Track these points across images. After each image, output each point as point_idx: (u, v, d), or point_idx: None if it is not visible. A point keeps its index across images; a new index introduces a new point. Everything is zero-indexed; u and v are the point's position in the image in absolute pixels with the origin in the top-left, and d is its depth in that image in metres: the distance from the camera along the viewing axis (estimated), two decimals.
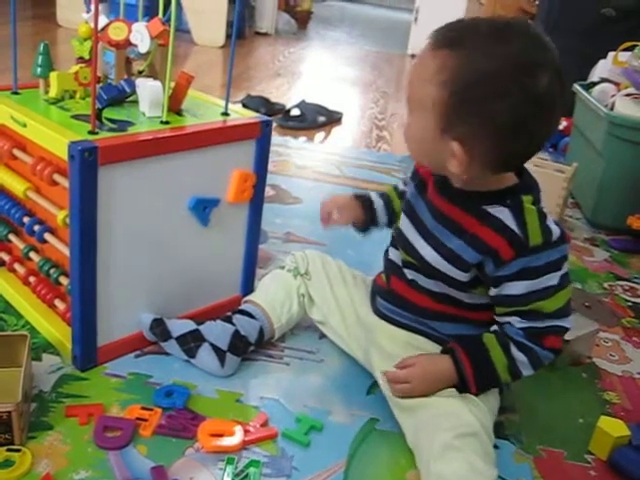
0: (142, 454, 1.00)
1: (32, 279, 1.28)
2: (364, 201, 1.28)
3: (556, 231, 1.00)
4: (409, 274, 1.12)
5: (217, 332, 1.17)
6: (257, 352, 1.25)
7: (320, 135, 2.75)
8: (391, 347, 1.13)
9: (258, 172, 1.27)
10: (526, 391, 1.24)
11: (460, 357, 1.05)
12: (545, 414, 1.21)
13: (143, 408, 1.08)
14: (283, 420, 1.10)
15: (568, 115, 2.51)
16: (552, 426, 1.19)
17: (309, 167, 2.31)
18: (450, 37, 0.93)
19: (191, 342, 1.17)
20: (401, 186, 1.29)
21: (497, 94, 0.89)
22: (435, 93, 0.92)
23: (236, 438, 1.03)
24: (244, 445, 1.03)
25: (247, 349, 1.21)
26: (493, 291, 1.03)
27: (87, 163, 1.01)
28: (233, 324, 1.19)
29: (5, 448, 0.97)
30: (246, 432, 1.05)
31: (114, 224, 1.09)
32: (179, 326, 1.19)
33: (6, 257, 1.35)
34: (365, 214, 1.27)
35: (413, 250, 1.09)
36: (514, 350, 1.02)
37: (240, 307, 1.26)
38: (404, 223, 1.13)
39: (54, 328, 1.22)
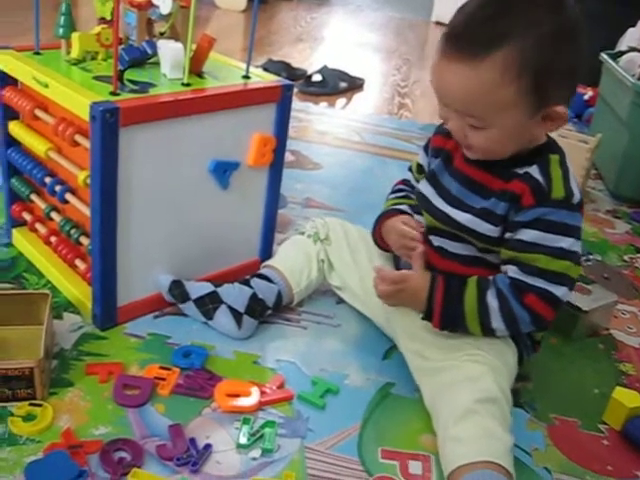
0: (160, 412, 1.02)
1: (53, 239, 1.29)
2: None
3: (577, 195, 1.02)
4: (435, 241, 1.12)
5: (235, 294, 1.19)
6: (275, 316, 1.26)
7: (341, 101, 2.73)
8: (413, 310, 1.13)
9: (278, 136, 1.27)
10: (542, 360, 1.24)
11: (437, 281, 1.07)
12: (560, 383, 1.22)
13: (161, 368, 1.09)
14: (299, 383, 1.11)
15: (593, 85, 2.47)
16: (567, 395, 1.19)
17: (330, 133, 2.30)
18: (487, 37, 0.93)
19: (209, 304, 1.18)
20: (413, 182, 1.26)
21: (563, 44, 0.94)
22: (515, 90, 0.94)
23: (252, 399, 1.05)
24: (260, 406, 1.05)
25: (264, 312, 1.22)
26: (507, 235, 1.03)
27: (108, 124, 1.01)
28: (251, 287, 1.20)
29: (27, 403, 0.99)
30: (262, 393, 1.07)
31: (134, 185, 1.10)
32: (197, 288, 1.20)
33: (28, 217, 1.36)
34: None
35: (442, 214, 1.09)
36: (490, 295, 1.03)
37: (259, 271, 1.27)
38: (427, 191, 1.13)
39: (75, 287, 1.23)
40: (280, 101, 1.25)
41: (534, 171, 1.01)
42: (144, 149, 1.09)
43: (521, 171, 1.02)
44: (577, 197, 1.02)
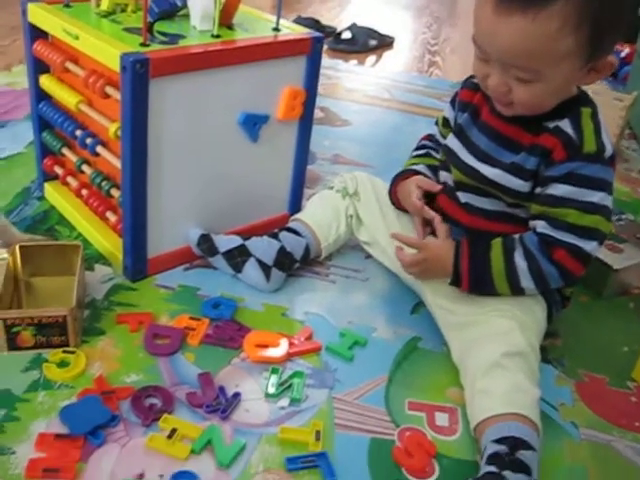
0: (190, 361, 1.04)
1: (84, 192, 1.30)
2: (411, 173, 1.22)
3: (609, 149, 1.00)
4: (462, 197, 1.11)
5: (263, 248, 1.19)
6: (303, 269, 1.27)
7: (371, 59, 2.70)
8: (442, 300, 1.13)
9: (308, 89, 1.26)
10: (572, 318, 1.23)
11: (462, 247, 1.06)
12: (590, 341, 1.21)
13: (191, 318, 1.11)
14: (327, 335, 1.12)
15: (630, 42, 2.41)
16: (596, 352, 1.18)
17: (359, 90, 2.28)
18: None
19: (237, 257, 1.19)
20: (434, 154, 1.25)
21: (620, 4, 0.93)
22: (573, 41, 0.91)
23: (281, 350, 1.06)
24: (288, 357, 1.06)
25: (292, 265, 1.22)
26: (538, 190, 1.02)
27: (139, 75, 1.01)
28: (279, 240, 1.21)
29: (61, 350, 1.01)
30: (291, 344, 1.07)
31: (165, 137, 1.10)
32: (226, 242, 1.20)
33: (59, 170, 1.37)
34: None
35: (471, 170, 1.08)
36: (517, 255, 1.02)
37: (287, 225, 1.27)
38: (455, 145, 1.12)
39: (106, 240, 1.25)
40: (310, 54, 1.23)
41: (565, 125, 0.99)
42: (174, 100, 1.08)
43: (551, 125, 1.00)
44: (609, 151, 1.00)
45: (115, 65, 1.03)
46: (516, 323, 1.01)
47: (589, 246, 1.00)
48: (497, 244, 1.04)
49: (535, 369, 0.98)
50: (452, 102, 1.19)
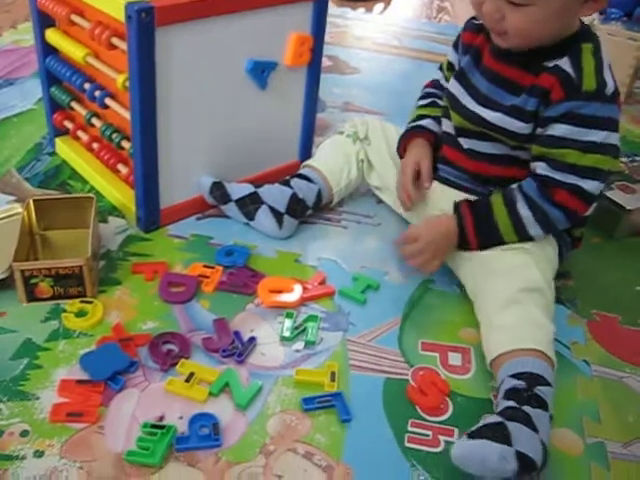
0: (205, 308, 1.05)
1: (95, 145, 1.31)
2: (429, 137, 1.20)
3: (611, 86, 0.98)
4: (465, 143, 1.11)
5: (275, 195, 1.19)
6: (315, 216, 1.28)
7: (379, 6, 2.66)
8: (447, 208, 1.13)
9: (316, 35, 1.24)
10: (583, 259, 1.24)
11: (463, 212, 1.06)
12: (601, 281, 1.21)
13: (205, 266, 1.12)
14: (340, 279, 1.13)
15: None
16: (608, 292, 1.19)
17: (368, 38, 2.25)
18: None
19: (250, 204, 1.19)
20: (439, 102, 1.23)
21: None
22: None
23: (295, 294, 1.07)
24: (302, 301, 1.07)
25: (305, 212, 1.23)
26: (539, 131, 1.01)
27: (144, 23, 1.01)
28: (291, 187, 1.21)
29: (79, 300, 1.03)
30: (304, 289, 1.09)
31: (173, 86, 1.10)
32: (238, 189, 1.21)
33: (69, 125, 1.38)
34: (427, 139, 1.20)
35: (472, 114, 1.07)
36: (520, 207, 1.02)
37: (299, 172, 1.27)
38: (457, 90, 1.11)
39: (118, 192, 1.26)
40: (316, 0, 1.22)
41: (564, 63, 0.97)
42: (181, 49, 1.08)
43: (551, 64, 0.98)
44: (611, 87, 0.98)
45: (120, 15, 1.02)
46: (531, 258, 1.02)
47: (590, 185, 0.99)
48: (497, 200, 1.04)
49: (551, 304, 0.99)
50: (455, 46, 1.18)
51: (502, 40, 1.00)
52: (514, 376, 0.88)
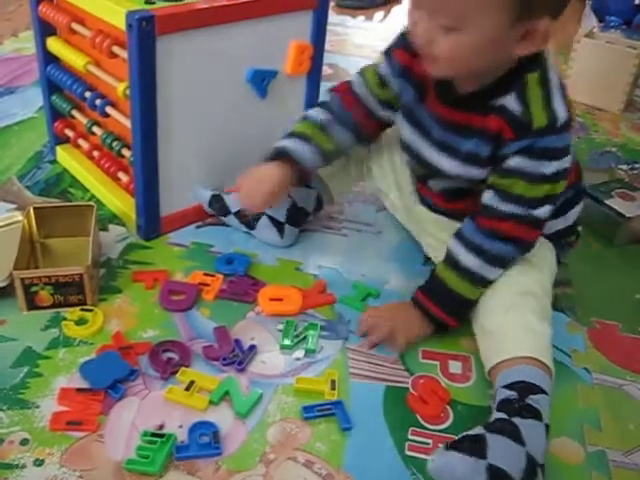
0: (205, 316, 1.05)
1: (96, 153, 1.31)
2: (282, 160, 1.09)
3: (562, 115, 0.91)
4: (435, 186, 1.09)
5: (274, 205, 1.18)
6: (316, 224, 1.28)
7: (379, 14, 2.67)
8: (442, 235, 1.11)
9: (315, 43, 1.25)
10: (583, 266, 1.24)
11: (421, 300, 1.03)
12: (601, 289, 1.21)
13: (206, 274, 1.12)
14: (340, 287, 1.13)
15: None
16: (608, 300, 1.18)
17: (368, 46, 2.26)
18: None
19: (249, 215, 1.19)
20: (321, 115, 1.11)
21: None
22: None
23: (295, 303, 1.07)
24: (303, 310, 1.07)
25: (305, 219, 1.22)
26: (497, 166, 0.96)
27: (145, 32, 1.01)
28: (290, 196, 1.20)
29: (79, 308, 1.03)
30: (305, 297, 1.09)
31: (173, 95, 1.10)
32: (237, 201, 1.19)
33: (70, 133, 1.38)
34: (291, 170, 1.09)
35: (431, 166, 1.03)
36: (464, 260, 0.98)
37: None
38: (408, 135, 1.06)
39: (118, 200, 1.26)
40: (316, 7, 1.22)
41: (510, 101, 0.91)
42: (182, 58, 1.08)
43: (497, 103, 0.93)
44: (562, 117, 0.91)
45: (121, 24, 1.02)
46: (526, 263, 1.01)
47: (539, 212, 0.95)
48: (442, 267, 1.01)
49: (547, 308, 0.98)
50: (387, 55, 1.07)
51: (433, 67, 0.92)
52: (507, 387, 0.87)
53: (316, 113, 1.12)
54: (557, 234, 1.09)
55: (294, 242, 1.22)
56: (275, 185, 1.08)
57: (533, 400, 0.85)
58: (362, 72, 1.12)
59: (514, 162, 0.93)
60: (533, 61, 0.91)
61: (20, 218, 1.16)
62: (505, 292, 0.97)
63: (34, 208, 1.15)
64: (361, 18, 2.58)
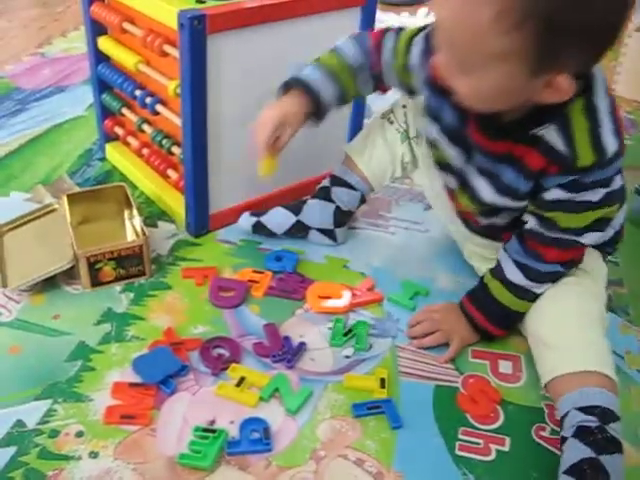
0: (254, 313, 1.06)
1: (145, 151, 1.33)
2: (301, 90, 1.06)
3: (611, 146, 0.84)
4: (482, 221, 1.05)
5: (319, 216, 1.18)
6: (364, 222, 1.28)
7: (423, 10, 2.65)
8: (482, 252, 1.11)
9: None
10: (634, 265, 1.22)
11: (468, 310, 1.02)
12: None
13: (255, 271, 1.13)
14: (389, 285, 1.13)
15: None
16: None
17: None
18: None
19: (297, 234, 1.20)
20: (349, 48, 1.06)
21: (585, 3, 0.71)
22: (511, 41, 0.72)
23: (344, 300, 1.07)
24: (351, 307, 1.07)
25: (351, 217, 1.23)
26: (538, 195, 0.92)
27: (196, 31, 1.02)
28: (332, 201, 1.18)
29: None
30: (353, 295, 1.09)
31: (223, 93, 1.11)
32: (279, 222, 1.19)
33: (120, 131, 1.40)
34: (309, 103, 1.06)
35: (470, 189, 0.99)
36: (509, 273, 0.97)
37: (339, 173, 1.20)
38: (453, 156, 0.99)
39: (168, 197, 1.27)
40: (365, 4, 1.22)
41: (552, 135, 0.85)
42: (232, 56, 1.09)
43: (538, 133, 0.86)
44: (612, 150, 0.84)
45: (172, 23, 1.03)
46: (580, 272, 0.99)
47: (587, 239, 0.93)
48: (489, 277, 1.00)
49: (604, 317, 0.96)
50: (425, 40, 0.98)
51: (458, 98, 0.85)
52: (583, 410, 0.84)
53: (348, 51, 1.06)
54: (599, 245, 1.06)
55: (346, 239, 1.23)
56: (286, 115, 1.04)
57: (614, 429, 0.83)
58: (396, 41, 1.03)
59: (557, 194, 0.88)
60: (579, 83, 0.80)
61: (56, 206, 1.20)
62: (561, 298, 0.95)
63: (67, 196, 1.17)
64: (405, 14, 2.57)
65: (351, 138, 1.35)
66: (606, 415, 0.83)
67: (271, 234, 1.20)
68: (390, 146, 1.18)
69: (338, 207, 1.19)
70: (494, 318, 1.01)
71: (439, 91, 0.93)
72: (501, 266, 0.99)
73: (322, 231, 1.19)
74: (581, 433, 0.83)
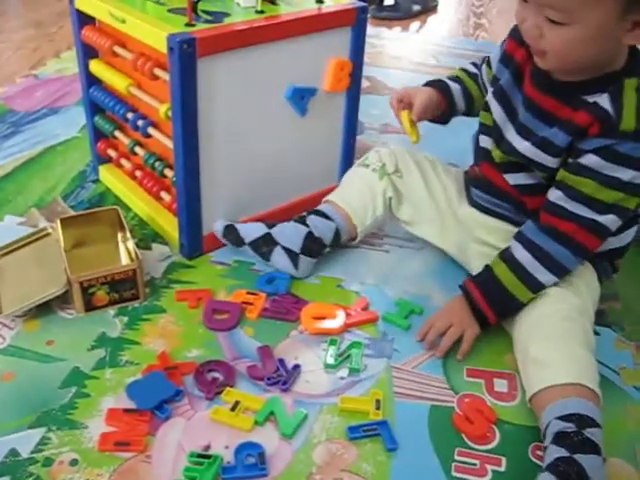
0: (249, 335, 1.06)
1: (138, 173, 1.33)
2: (440, 85, 1.19)
3: None
4: (511, 179, 1.07)
5: (289, 234, 1.16)
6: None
7: (415, 25, 2.66)
8: (490, 239, 1.12)
9: (354, 60, 1.25)
10: (630, 280, 1.21)
11: (469, 288, 1.04)
12: None
13: (249, 293, 1.13)
14: (383, 304, 1.13)
15: None
16: None
17: (405, 57, 2.25)
18: None
19: (263, 246, 1.17)
20: (472, 68, 1.23)
21: None
22: None
23: (338, 321, 1.07)
24: (346, 328, 1.07)
25: (322, 250, 1.19)
26: (569, 160, 0.97)
27: (186, 54, 1.02)
28: (307, 225, 1.17)
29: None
30: (347, 315, 1.09)
31: (214, 115, 1.11)
32: (251, 231, 1.18)
33: (113, 153, 1.40)
34: (444, 99, 1.19)
35: (504, 142, 1.05)
36: (516, 251, 1.00)
37: (318, 207, 1.22)
38: (496, 112, 1.07)
39: (161, 219, 1.27)
40: (355, 24, 1.22)
41: (604, 100, 0.92)
42: (222, 78, 1.09)
43: (591, 99, 0.93)
44: None
45: (162, 46, 1.04)
46: (566, 286, 1.00)
47: (605, 219, 0.95)
48: (496, 260, 1.03)
49: (590, 334, 0.96)
50: (502, 47, 1.12)
51: (541, 60, 0.96)
52: (562, 418, 0.85)
53: (471, 67, 1.23)
54: (608, 253, 1.07)
55: (310, 273, 1.19)
56: (430, 98, 1.16)
57: (591, 434, 0.83)
58: (484, 59, 1.21)
59: (590, 160, 0.93)
60: (633, 68, 0.93)
61: (50, 230, 1.20)
62: (548, 316, 0.96)
63: (61, 220, 1.17)
64: (397, 29, 2.58)
65: (343, 154, 1.36)
66: (583, 420, 0.84)
67: (239, 240, 1.18)
68: (368, 184, 1.21)
69: (311, 232, 1.17)
70: (491, 298, 1.02)
71: (506, 63, 1.07)
72: (511, 248, 1.02)
73: (287, 251, 1.16)
74: (559, 439, 0.84)
